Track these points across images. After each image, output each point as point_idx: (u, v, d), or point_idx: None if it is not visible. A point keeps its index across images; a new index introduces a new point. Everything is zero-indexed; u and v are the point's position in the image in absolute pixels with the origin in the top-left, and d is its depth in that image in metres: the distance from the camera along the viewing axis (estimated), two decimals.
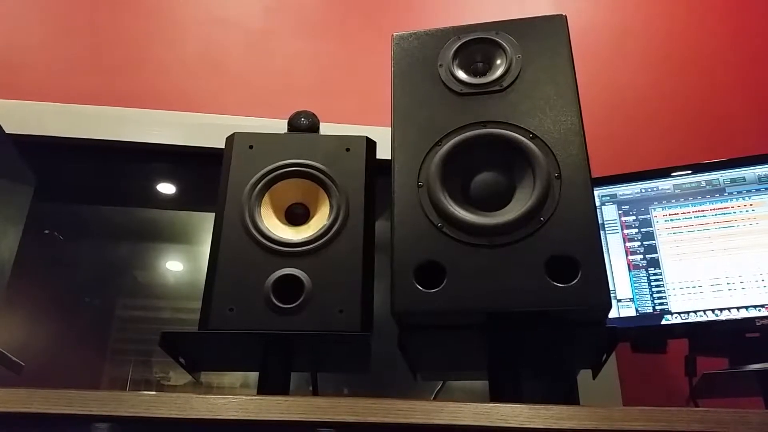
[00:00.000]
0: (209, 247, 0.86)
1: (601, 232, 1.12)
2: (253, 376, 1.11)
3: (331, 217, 0.86)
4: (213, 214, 0.88)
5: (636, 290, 1.08)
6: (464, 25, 0.91)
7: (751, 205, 1.07)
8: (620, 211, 1.14)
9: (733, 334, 1.03)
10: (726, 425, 0.66)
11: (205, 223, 1.61)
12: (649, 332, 1.06)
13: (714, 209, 1.08)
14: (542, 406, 0.67)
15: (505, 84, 0.85)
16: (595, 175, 0.83)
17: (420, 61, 0.90)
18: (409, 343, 0.82)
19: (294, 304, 0.80)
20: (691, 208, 1.10)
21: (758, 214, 1.06)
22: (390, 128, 0.86)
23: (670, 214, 1.11)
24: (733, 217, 1.07)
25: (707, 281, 1.05)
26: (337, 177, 0.89)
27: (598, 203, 1.14)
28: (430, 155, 0.82)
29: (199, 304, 0.83)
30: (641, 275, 1.09)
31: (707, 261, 1.06)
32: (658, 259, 1.09)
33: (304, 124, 0.96)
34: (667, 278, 1.07)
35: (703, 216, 1.09)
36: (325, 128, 0.98)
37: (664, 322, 1.05)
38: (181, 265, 1.59)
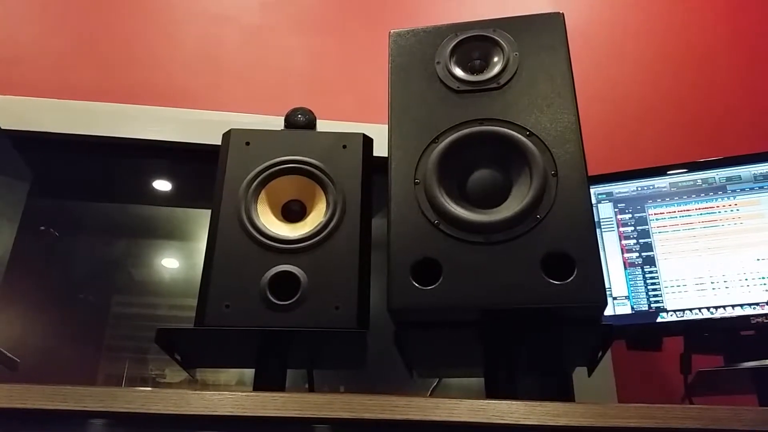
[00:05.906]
0: (205, 243, 0.86)
1: (597, 230, 1.12)
2: (249, 373, 1.11)
3: (328, 214, 0.86)
4: (209, 211, 0.88)
5: (631, 288, 1.09)
6: (462, 23, 0.91)
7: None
8: (616, 209, 1.14)
9: (728, 331, 1.04)
10: (720, 422, 0.66)
11: (201, 219, 1.61)
12: (645, 330, 1.07)
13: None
14: (538, 403, 0.67)
15: (502, 81, 0.85)
16: (591, 173, 0.83)
17: (417, 58, 0.89)
18: (406, 340, 0.82)
19: (290, 301, 0.80)
20: (685, 207, 1.10)
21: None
22: (387, 125, 0.86)
23: (666, 212, 1.11)
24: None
25: (702, 279, 1.05)
26: (334, 174, 0.89)
27: (594, 201, 1.15)
28: (427, 152, 0.82)
29: (195, 301, 0.82)
30: (637, 273, 1.09)
31: (704, 259, 1.06)
32: (653, 257, 1.09)
33: (300, 121, 0.96)
34: (663, 276, 1.07)
35: (689, 215, 1.09)
36: (322, 125, 0.98)
37: (659, 319, 1.06)
38: (177, 262, 1.58)
